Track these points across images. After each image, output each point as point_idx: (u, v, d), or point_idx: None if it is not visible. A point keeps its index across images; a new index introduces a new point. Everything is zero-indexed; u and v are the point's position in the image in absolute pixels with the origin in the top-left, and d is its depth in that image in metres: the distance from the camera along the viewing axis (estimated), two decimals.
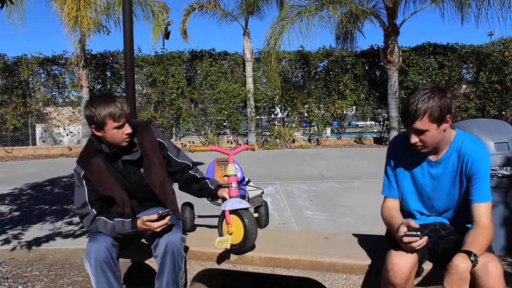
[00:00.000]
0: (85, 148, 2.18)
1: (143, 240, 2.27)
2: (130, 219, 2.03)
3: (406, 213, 1.99)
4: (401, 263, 1.63)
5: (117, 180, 2.12)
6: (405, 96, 12.11)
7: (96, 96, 2.11)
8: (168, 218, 1.98)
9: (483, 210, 1.71)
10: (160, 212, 1.96)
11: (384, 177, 2.00)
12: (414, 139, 1.75)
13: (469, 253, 1.53)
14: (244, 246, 2.06)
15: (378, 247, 2.07)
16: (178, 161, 2.30)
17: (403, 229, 1.66)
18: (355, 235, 2.35)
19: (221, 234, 2.14)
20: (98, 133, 2.05)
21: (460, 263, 1.52)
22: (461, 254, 1.55)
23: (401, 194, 1.95)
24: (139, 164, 2.17)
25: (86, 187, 2.07)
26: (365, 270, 1.94)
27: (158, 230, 1.97)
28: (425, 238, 1.63)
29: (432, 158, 1.85)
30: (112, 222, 2.03)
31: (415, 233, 1.62)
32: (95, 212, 2.07)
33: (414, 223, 1.66)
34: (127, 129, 2.03)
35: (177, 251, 2.00)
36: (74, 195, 2.12)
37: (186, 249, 2.17)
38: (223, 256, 2.15)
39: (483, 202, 1.72)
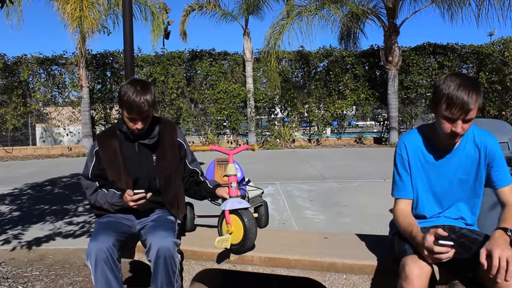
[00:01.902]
0: (109, 127, 2.33)
1: None
2: (121, 192, 2.14)
3: (415, 215, 1.91)
4: (420, 274, 1.56)
5: (125, 169, 2.20)
6: (405, 96, 12.13)
7: (138, 80, 2.17)
8: (142, 201, 2.05)
9: (509, 192, 1.80)
10: (135, 191, 2.05)
11: (396, 177, 1.90)
12: (460, 128, 1.69)
13: (505, 229, 1.58)
14: (244, 246, 2.06)
15: (378, 247, 2.08)
16: (190, 168, 2.37)
17: (430, 239, 1.55)
18: (355, 235, 2.35)
19: (221, 234, 2.14)
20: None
21: (502, 234, 1.56)
22: (498, 230, 1.58)
23: (416, 192, 1.88)
24: (153, 150, 2.25)
25: (92, 162, 2.24)
26: (365, 270, 1.93)
27: (130, 204, 2.06)
28: (453, 251, 1.54)
29: (445, 149, 1.83)
30: (107, 192, 2.20)
31: (448, 243, 1.50)
32: (97, 185, 2.24)
33: (441, 231, 1.56)
34: (138, 125, 2.12)
35: (169, 256, 1.98)
36: (85, 162, 2.30)
37: (181, 252, 2.16)
38: (223, 256, 2.15)
39: (507, 186, 1.81)
